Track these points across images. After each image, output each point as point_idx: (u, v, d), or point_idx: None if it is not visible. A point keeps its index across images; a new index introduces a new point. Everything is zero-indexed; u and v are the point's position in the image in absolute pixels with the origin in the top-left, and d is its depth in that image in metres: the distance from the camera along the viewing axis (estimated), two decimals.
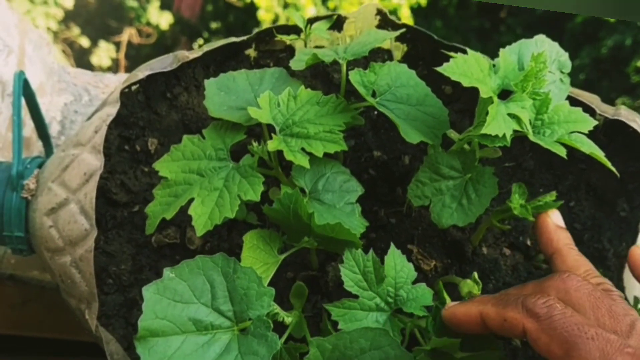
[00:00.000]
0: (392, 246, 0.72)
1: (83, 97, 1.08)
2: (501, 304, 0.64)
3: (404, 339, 0.71)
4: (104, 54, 4.96)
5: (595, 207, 0.89)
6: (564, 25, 4.39)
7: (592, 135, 0.84)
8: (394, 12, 4.28)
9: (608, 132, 0.89)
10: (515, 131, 0.71)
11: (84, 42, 4.93)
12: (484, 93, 0.68)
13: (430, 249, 0.85)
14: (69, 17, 5.00)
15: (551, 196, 0.77)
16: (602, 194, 0.89)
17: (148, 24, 5.18)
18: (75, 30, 5.07)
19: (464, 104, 0.90)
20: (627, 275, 0.85)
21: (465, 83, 0.68)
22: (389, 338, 0.63)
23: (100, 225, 0.85)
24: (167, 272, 0.65)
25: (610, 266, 0.86)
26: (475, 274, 0.77)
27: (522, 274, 0.86)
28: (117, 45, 5.05)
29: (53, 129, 1.05)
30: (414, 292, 0.71)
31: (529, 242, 0.87)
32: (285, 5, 4.26)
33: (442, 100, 0.83)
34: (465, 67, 0.69)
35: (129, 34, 5.22)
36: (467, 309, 0.67)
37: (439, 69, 0.68)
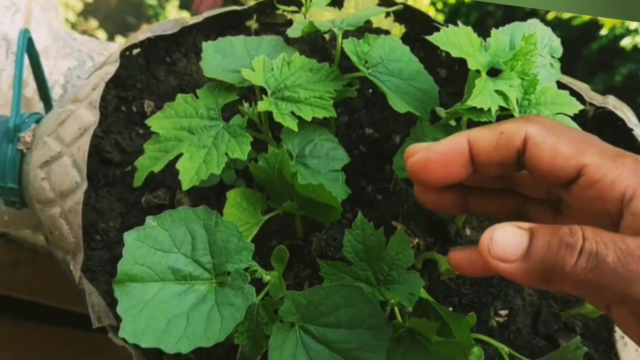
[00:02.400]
0: (400, 228, 0.73)
1: (87, 63, 1.09)
2: (495, 126, 0.55)
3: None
4: None
5: None
6: (579, 50, 4.40)
7: (581, 125, 0.86)
8: None
9: (597, 123, 0.90)
10: (501, 109, 0.72)
11: (101, 35, 4.96)
12: (472, 65, 0.70)
13: (414, 227, 0.86)
14: (89, 11, 5.04)
15: None
16: None
17: None
18: (94, 23, 5.11)
19: (457, 87, 0.92)
20: None
21: (454, 53, 0.69)
22: (364, 296, 0.64)
23: (92, 183, 0.87)
24: (150, 221, 0.66)
25: None
26: None
27: None
28: None
29: (55, 93, 1.06)
30: (405, 277, 0.71)
31: None
32: None
33: (437, 82, 0.85)
34: (455, 38, 0.71)
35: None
36: (449, 142, 0.56)
37: (429, 37, 0.69)
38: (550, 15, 4.34)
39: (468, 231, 0.87)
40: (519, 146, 0.52)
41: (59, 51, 1.07)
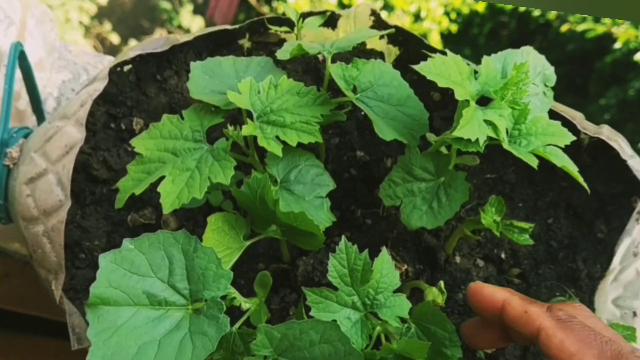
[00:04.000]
0: (384, 250, 0.71)
1: (81, 76, 1.09)
2: (528, 300, 0.66)
3: (370, 341, 0.71)
4: None
5: (573, 226, 0.88)
6: (593, 63, 4.37)
7: (575, 153, 0.84)
8: (424, 36, 4.29)
9: (592, 152, 0.88)
10: (490, 139, 0.71)
11: (114, 38, 4.98)
12: (459, 95, 0.68)
13: (403, 253, 0.85)
14: (103, 14, 5.06)
15: (527, 225, 0.76)
16: (581, 213, 0.88)
17: (179, 27, 5.23)
18: (108, 27, 5.13)
19: (451, 111, 0.90)
20: (598, 298, 0.84)
21: (441, 83, 0.68)
22: (340, 333, 0.62)
23: (78, 200, 0.86)
24: (127, 243, 0.65)
25: (582, 287, 0.85)
26: (442, 283, 0.76)
27: None
28: None
29: (49, 105, 1.06)
30: (392, 300, 0.70)
31: (503, 255, 0.86)
32: None
33: (429, 106, 0.83)
34: (443, 67, 0.69)
35: (159, 35, 5.27)
36: (494, 291, 0.69)
37: (415, 67, 0.68)
38: (564, 28, 4.31)
39: (458, 258, 0.85)
40: (535, 331, 0.62)
41: (54, 64, 1.07)
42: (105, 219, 0.86)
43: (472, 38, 4.94)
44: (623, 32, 3.91)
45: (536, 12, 4.35)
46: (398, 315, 0.70)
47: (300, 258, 0.83)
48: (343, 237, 0.70)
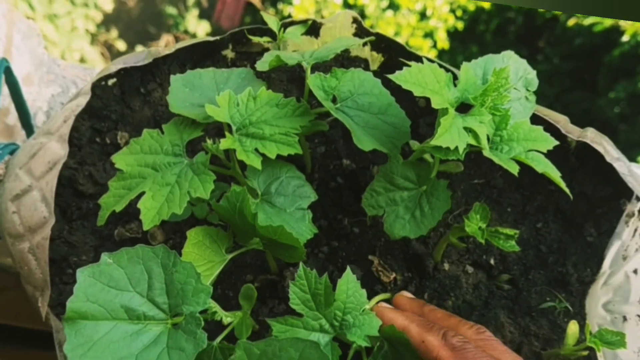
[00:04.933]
0: (348, 270, 0.71)
1: (71, 89, 1.09)
2: (425, 327, 0.67)
3: (346, 357, 0.70)
4: None
5: (562, 230, 0.87)
6: (601, 57, 4.34)
7: (563, 157, 0.83)
8: (430, 34, 4.28)
9: (579, 155, 0.87)
10: (471, 146, 0.70)
11: (121, 45, 5.00)
12: (436, 104, 0.67)
13: (391, 261, 0.84)
14: (110, 21, 5.08)
15: (513, 232, 0.75)
16: (570, 217, 0.87)
17: (185, 32, 5.24)
18: (114, 34, 5.16)
19: (436, 117, 0.89)
20: (589, 302, 0.83)
21: (417, 92, 0.67)
22: (320, 352, 0.61)
23: (65, 215, 0.86)
24: (105, 257, 0.64)
25: (573, 291, 0.84)
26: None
27: (483, 292, 0.84)
28: None
29: (39, 119, 1.06)
30: (360, 320, 0.70)
31: (492, 261, 0.86)
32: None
33: (415, 112, 0.83)
34: (420, 76, 0.68)
35: (165, 41, 5.28)
36: (394, 318, 0.70)
37: (391, 76, 0.67)
38: (571, 22, 4.28)
39: (447, 265, 0.85)
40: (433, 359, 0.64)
41: (43, 78, 1.07)
42: (92, 234, 0.86)
43: (478, 35, 4.92)
44: (631, 25, 3.89)
45: None
46: (367, 335, 0.69)
47: (288, 269, 0.82)
48: (301, 264, 0.70)
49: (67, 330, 0.61)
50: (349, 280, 0.70)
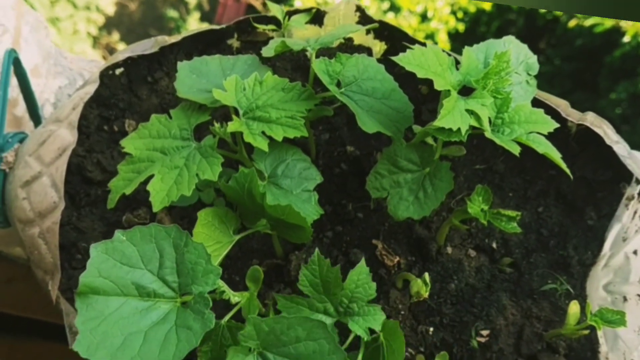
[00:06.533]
0: (362, 261, 0.72)
1: (77, 82, 1.10)
2: None
3: (345, 341, 0.71)
4: None
5: (563, 214, 0.88)
6: (602, 58, 4.35)
7: (563, 142, 0.85)
8: (431, 36, 4.30)
9: (580, 140, 0.89)
10: (473, 128, 0.71)
11: (122, 47, 5.01)
12: (438, 85, 0.69)
13: (395, 245, 0.86)
14: (111, 24, 5.10)
15: (515, 213, 0.77)
16: (571, 201, 0.89)
17: None
18: (116, 37, 5.17)
19: (437, 104, 0.91)
20: (590, 284, 0.84)
21: (420, 74, 0.69)
22: (326, 332, 0.62)
23: (74, 202, 0.87)
24: (119, 234, 0.65)
25: (574, 274, 0.85)
26: (426, 275, 0.77)
27: (485, 276, 0.85)
28: None
29: (46, 111, 1.07)
30: (365, 310, 0.71)
31: (494, 245, 0.87)
32: None
33: (418, 99, 0.84)
34: (423, 58, 0.70)
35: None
36: None
37: (395, 58, 0.69)
38: (572, 23, 4.29)
39: (450, 249, 0.86)
40: None
41: (50, 70, 1.08)
42: (100, 220, 0.87)
43: (479, 37, 4.93)
44: (631, 26, 3.89)
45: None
46: (369, 327, 0.70)
47: (293, 253, 0.84)
48: (317, 250, 0.71)
49: (79, 304, 0.63)
50: (361, 272, 0.71)
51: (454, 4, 4.45)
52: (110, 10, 4.89)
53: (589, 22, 3.97)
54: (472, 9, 4.51)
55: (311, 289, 0.70)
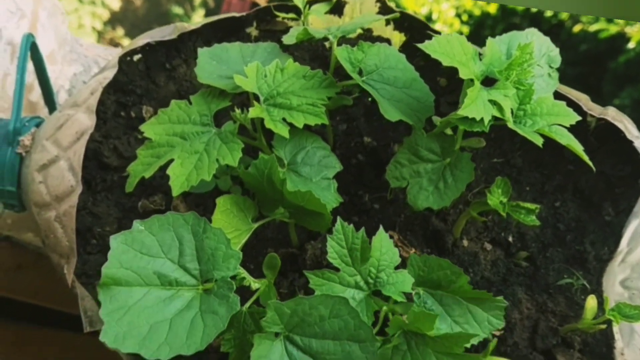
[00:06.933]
0: (381, 229, 0.72)
1: (92, 69, 1.10)
2: None
3: (377, 321, 0.71)
4: None
5: (580, 209, 0.88)
6: (606, 64, 4.35)
7: (582, 137, 0.84)
8: None
9: (599, 135, 0.88)
10: (495, 119, 0.71)
11: (126, 43, 5.01)
12: (463, 74, 0.69)
13: (410, 236, 0.85)
14: (116, 20, 5.09)
15: (534, 206, 0.77)
16: (589, 196, 0.88)
17: None
18: (120, 32, 5.16)
19: (456, 96, 0.90)
20: (606, 280, 0.84)
21: (445, 62, 0.68)
22: (349, 307, 0.62)
23: (90, 187, 0.87)
24: (137, 224, 0.65)
25: (591, 269, 0.85)
26: None
27: (501, 269, 0.85)
28: None
29: (61, 97, 1.07)
30: (394, 277, 0.71)
31: (510, 239, 0.87)
32: None
33: (436, 91, 0.84)
34: (448, 47, 0.70)
35: None
36: None
37: (420, 45, 0.68)
38: (577, 28, 4.30)
39: (465, 242, 0.86)
40: None
41: (65, 56, 1.08)
42: (116, 206, 0.87)
43: (484, 40, 4.92)
44: (636, 32, 3.89)
45: (548, 13, 4.34)
46: (402, 291, 0.70)
47: (309, 242, 0.83)
48: (339, 218, 0.70)
49: (102, 296, 0.62)
50: (382, 238, 0.71)
51: (458, 6, 4.45)
52: (116, 5, 4.89)
53: (594, 27, 3.98)
54: (476, 12, 4.51)
55: (339, 260, 0.70)
